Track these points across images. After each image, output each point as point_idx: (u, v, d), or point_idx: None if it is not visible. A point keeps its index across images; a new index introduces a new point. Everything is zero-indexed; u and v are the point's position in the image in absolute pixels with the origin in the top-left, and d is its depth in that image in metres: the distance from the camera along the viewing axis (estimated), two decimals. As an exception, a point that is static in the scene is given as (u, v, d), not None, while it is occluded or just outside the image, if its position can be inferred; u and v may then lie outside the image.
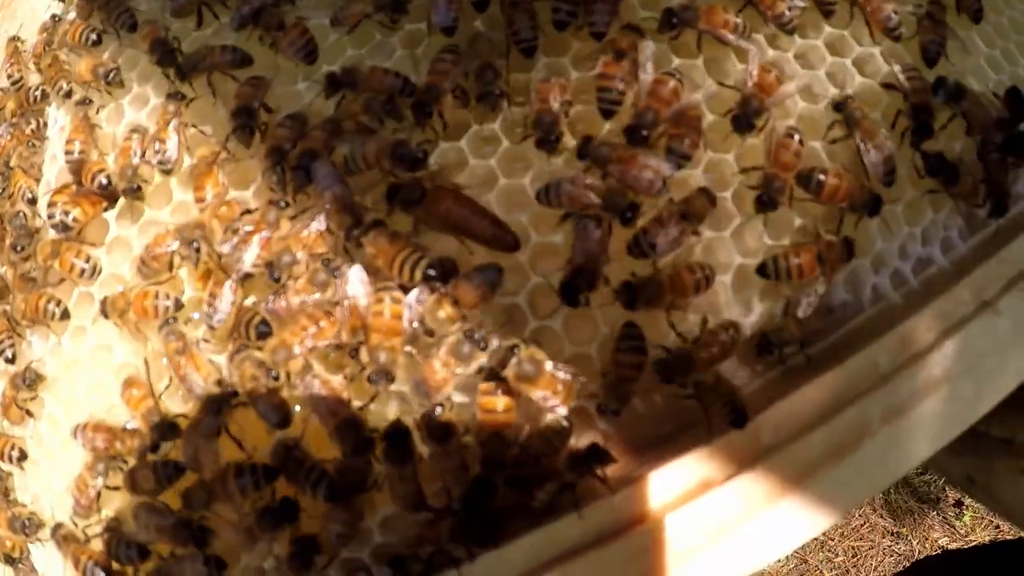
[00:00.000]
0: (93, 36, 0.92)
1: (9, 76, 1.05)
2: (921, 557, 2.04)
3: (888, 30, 0.80)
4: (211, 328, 0.75)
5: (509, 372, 0.69)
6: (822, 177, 0.73)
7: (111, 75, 0.88)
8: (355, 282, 0.71)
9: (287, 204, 0.77)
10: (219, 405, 0.71)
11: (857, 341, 0.74)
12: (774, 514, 0.68)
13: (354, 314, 0.70)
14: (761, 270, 0.73)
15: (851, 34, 0.82)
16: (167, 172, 0.85)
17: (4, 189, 0.98)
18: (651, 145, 0.73)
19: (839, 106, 0.77)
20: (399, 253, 0.70)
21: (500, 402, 0.69)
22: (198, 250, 0.75)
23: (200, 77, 0.86)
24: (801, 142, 0.74)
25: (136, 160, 0.83)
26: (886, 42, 0.81)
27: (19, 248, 0.90)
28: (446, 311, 0.69)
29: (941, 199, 0.79)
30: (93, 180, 0.85)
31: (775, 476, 0.68)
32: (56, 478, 0.86)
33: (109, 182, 0.85)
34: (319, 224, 0.74)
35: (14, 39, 1.07)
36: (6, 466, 0.89)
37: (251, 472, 0.70)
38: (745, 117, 0.73)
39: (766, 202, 0.73)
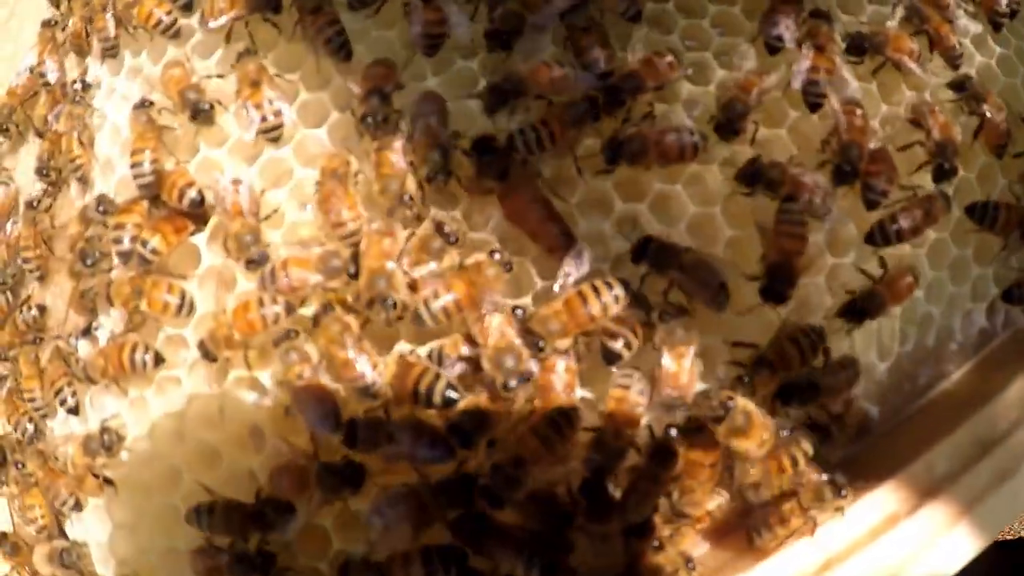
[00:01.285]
0: (168, 20, 0.74)
1: (41, 74, 0.83)
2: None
3: (995, 13, 0.81)
4: (366, 395, 0.65)
5: (722, 428, 0.66)
6: (997, 211, 0.75)
7: (200, 109, 0.71)
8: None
9: (456, 239, 0.67)
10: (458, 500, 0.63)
11: (1001, 365, 0.78)
12: (952, 539, 0.71)
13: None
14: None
15: (996, 63, 0.83)
16: (275, 140, 0.71)
17: (53, 186, 0.81)
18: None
19: (961, 86, 0.77)
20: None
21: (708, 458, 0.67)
22: (394, 305, 0.64)
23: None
24: None
25: (252, 220, 0.68)
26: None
27: (89, 261, 0.72)
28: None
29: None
30: (182, 198, 0.69)
31: (952, 504, 0.72)
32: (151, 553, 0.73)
33: (203, 199, 0.70)
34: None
35: (50, 24, 0.86)
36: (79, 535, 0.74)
37: (441, 557, 0.62)
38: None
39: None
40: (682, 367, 0.66)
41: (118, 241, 0.70)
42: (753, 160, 0.70)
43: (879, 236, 0.70)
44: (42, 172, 0.83)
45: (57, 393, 0.74)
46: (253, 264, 0.67)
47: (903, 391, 0.78)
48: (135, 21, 0.76)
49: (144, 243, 0.69)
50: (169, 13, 0.75)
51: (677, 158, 0.69)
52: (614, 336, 0.65)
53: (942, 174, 0.72)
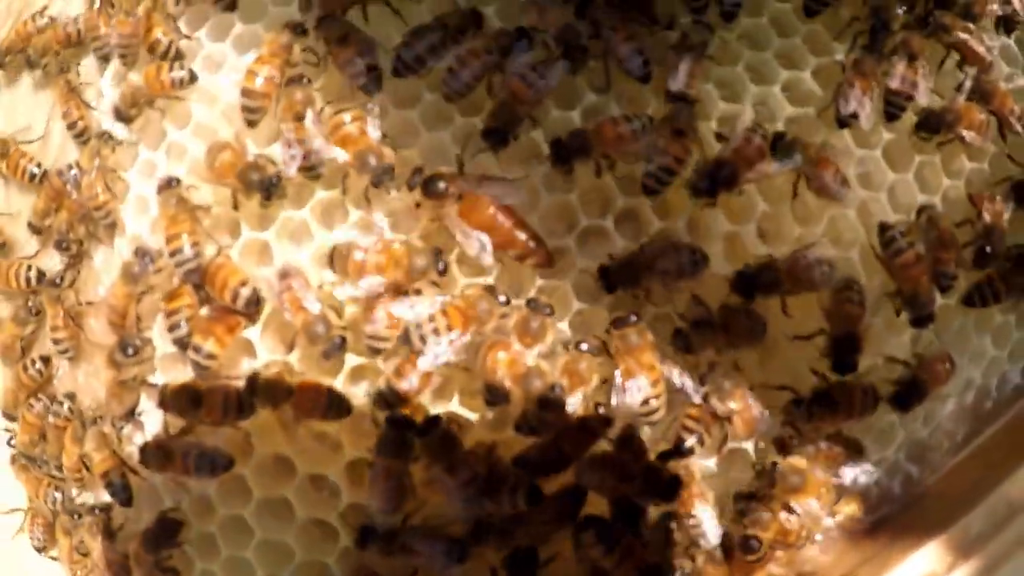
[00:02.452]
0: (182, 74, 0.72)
1: (71, 125, 0.78)
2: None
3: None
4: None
5: (777, 489, 0.69)
6: None
7: (271, 185, 0.66)
8: None
9: (552, 311, 0.67)
10: None
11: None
12: (981, 593, 0.77)
13: None
14: None
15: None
16: (316, 177, 0.68)
17: (75, 259, 0.77)
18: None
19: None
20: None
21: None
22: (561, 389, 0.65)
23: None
24: None
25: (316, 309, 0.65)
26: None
27: (131, 351, 0.68)
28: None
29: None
30: (236, 298, 0.65)
31: (983, 563, 0.77)
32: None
33: (259, 298, 0.66)
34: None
35: (64, 72, 0.81)
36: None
37: None
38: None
39: None
40: (750, 414, 0.68)
41: (174, 328, 0.67)
42: (740, 274, 0.69)
43: (978, 298, 0.73)
44: (62, 245, 0.77)
45: (109, 485, 0.72)
46: (330, 353, 0.65)
47: (942, 449, 0.82)
48: (148, 92, 0.72)
49: (197, 348, 0.65)
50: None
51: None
52: (689, 431, 0.66)
53: (983, 257, 0.74)
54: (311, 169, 0.68)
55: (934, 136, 0.72)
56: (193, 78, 0.74)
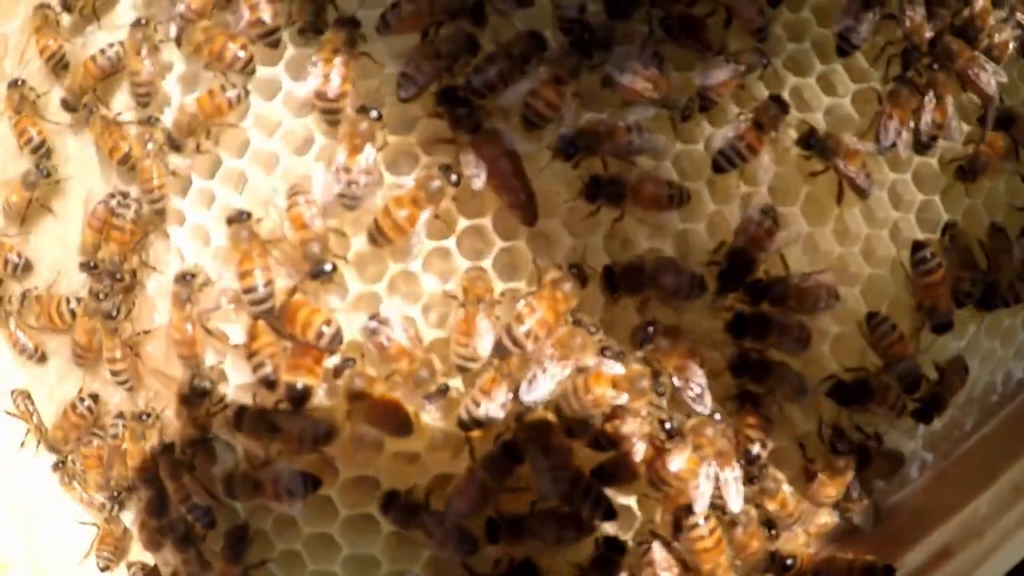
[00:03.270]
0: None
1: (123, 160, 0.78)
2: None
3: None
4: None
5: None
6: None
7: (322, 272, 0.68)
8: None
9: (596, 329, 0.71)
10: None
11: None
12: (986, 570, 0.86)
13: None
14: None
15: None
16: (350, 207, 0.69)
17: (128, 291, 0.77)
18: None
19: None
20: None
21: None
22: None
23: None
24: None
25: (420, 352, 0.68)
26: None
27: (199, 393, 0.70)
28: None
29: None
30: (319, 338, 0.67)
31: (991, 541, 0.86)
32: None
33: (341, 339, 0.68)
34: None
35: (90, 109, 0.80)
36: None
37: None
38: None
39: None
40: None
41: (260, 368, 0.68)
42: (754, 283, 0.74)
43: (991, 303, 0.80)
44: (115, 276, 0.77)
45: (192, 509, 0.74)
46: (433, 399, 0.68)
47: (952, 437, 0.90)
48: (203, 119, 0.73)
49: (292, 386, 0.67)
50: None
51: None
52: (752, 440, 0.73)
53: (987, 298, 0.80)
54: (350, 197, 0.69)
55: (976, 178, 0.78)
56: (247, 94, 0.74)
